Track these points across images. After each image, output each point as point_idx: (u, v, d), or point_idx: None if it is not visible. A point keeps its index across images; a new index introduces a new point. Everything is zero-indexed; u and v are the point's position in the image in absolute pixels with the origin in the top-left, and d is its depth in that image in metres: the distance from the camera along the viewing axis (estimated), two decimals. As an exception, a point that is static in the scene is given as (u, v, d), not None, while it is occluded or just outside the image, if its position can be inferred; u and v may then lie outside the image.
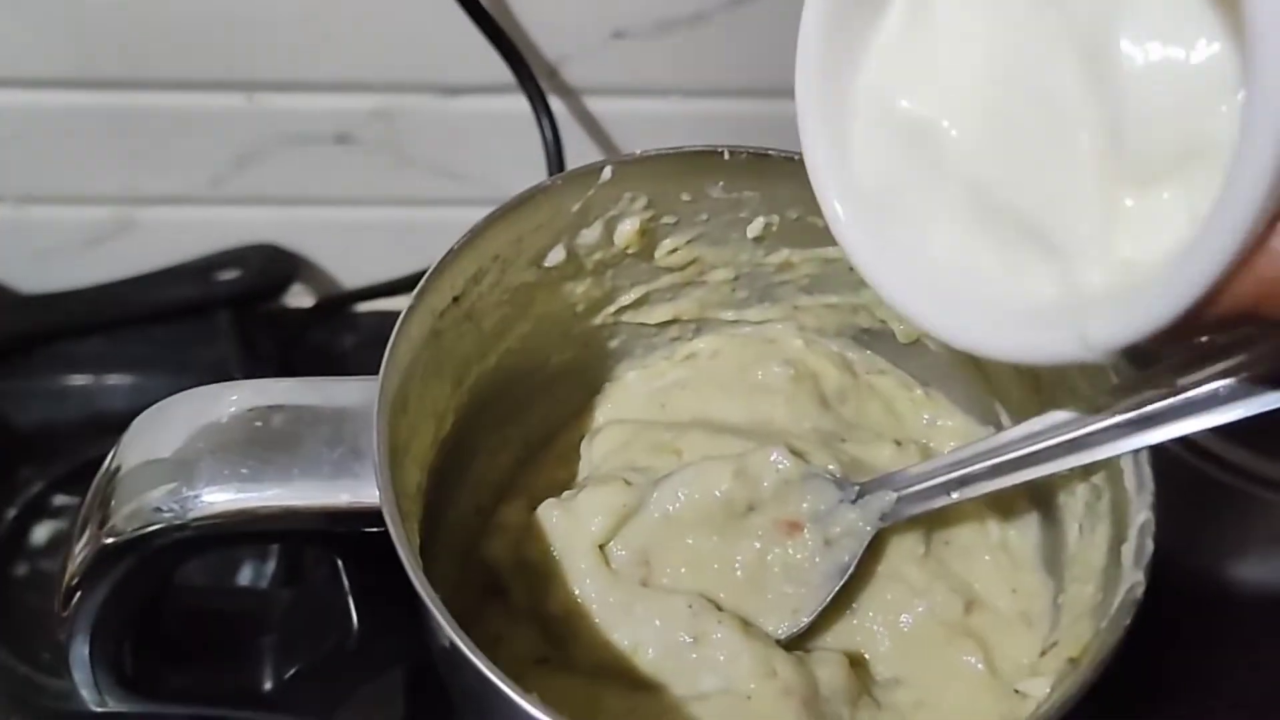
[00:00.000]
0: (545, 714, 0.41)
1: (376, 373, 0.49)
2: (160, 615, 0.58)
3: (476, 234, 0.54)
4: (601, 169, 0.56)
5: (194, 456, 0.49)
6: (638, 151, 0.56)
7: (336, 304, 0.93)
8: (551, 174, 0.78)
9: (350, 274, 0.94)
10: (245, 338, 0.89)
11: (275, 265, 0.90)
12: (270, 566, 0.73)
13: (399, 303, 0.95)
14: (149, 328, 0.89)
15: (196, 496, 0.48)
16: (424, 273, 0.52)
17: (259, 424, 0.50)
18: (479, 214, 0.53)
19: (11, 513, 0.83)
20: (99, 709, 0.57)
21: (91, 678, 0.55)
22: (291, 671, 0.59)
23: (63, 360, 0.87)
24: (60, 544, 0.79)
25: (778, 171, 0.55)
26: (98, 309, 0.89)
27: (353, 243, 0.92)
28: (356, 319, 0.94)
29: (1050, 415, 0.50)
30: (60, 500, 0.84)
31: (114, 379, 0.88)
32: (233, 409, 0.51)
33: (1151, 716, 0.66)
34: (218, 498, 0.48)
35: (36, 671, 0.71)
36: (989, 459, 0.51)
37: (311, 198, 0.88)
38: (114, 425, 0.81)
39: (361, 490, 0.48)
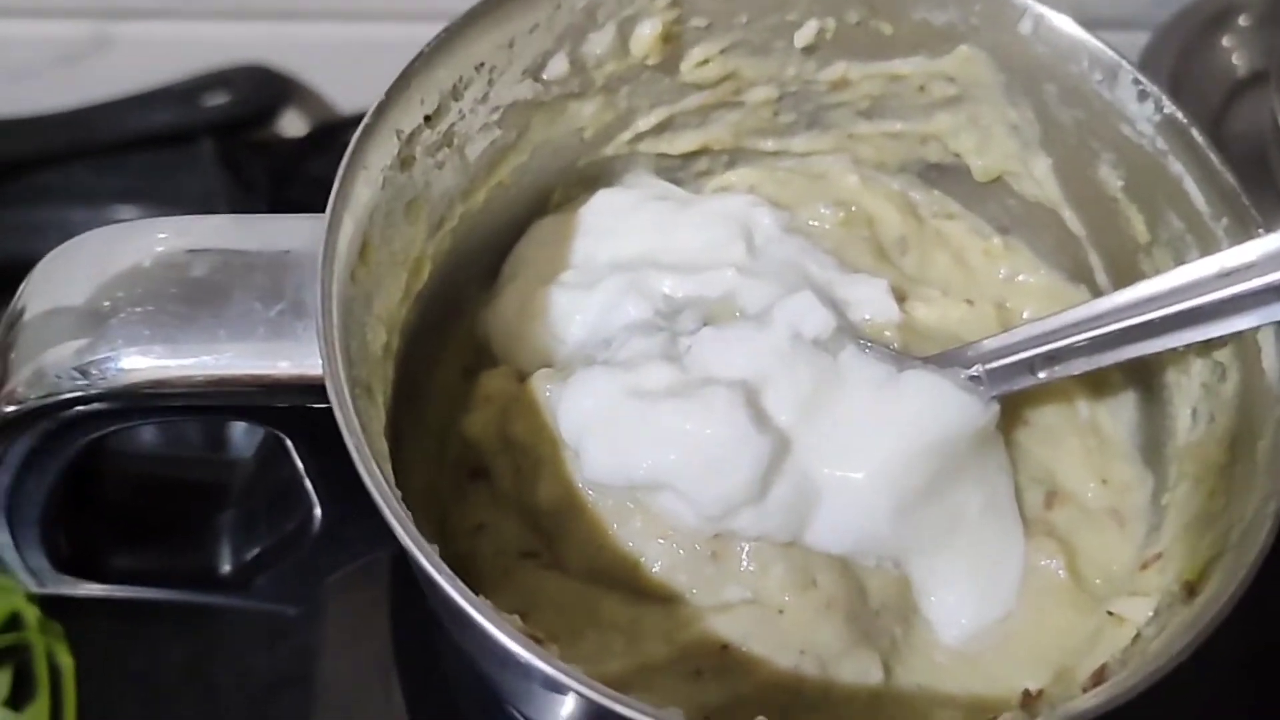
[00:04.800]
0: (519, 643, 0.33)
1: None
2: (99, 485, 0.51)
3: (453, 34, 0.45)
4: (614, -50, 0.47)
5: (107, 309, 0.41)
6: (659, -73, 0.47)
7: (333, 131, 0.86)
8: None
9: (348, 98, 0.87)
10: (233, 167, 0.83)
11: (265, 88, 0.85)
12: (228, 430, 0.66)
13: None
14: (128, 156, 0.84)
15: (106, 361, 0.40)
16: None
17: (184, 272, 0.41)
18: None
19: None
20: (38, 590, 0.51)
21: (20, 560, 0.49)
22: (253, 553, 0.52)
23: (35, 191, 0.83)
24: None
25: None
26: (72, 135, 0.84)
27: (351, 63, 0.82)
28: None
29: (1165, 278, 0.42)
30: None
31: (93, 211, 0.82)
32: (158, 249, 0.42)
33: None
34: (132, 364, 0.40)
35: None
36: (1087, 330, 0.43)
37: (305, 11, 0.82)
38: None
39: (305, 357, 0.40)
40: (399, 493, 0.37)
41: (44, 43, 0.82)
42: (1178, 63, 0.79)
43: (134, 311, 0.41)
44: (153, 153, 0.84)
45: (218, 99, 0.83)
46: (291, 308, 0.40)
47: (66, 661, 0.62)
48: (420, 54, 0.44)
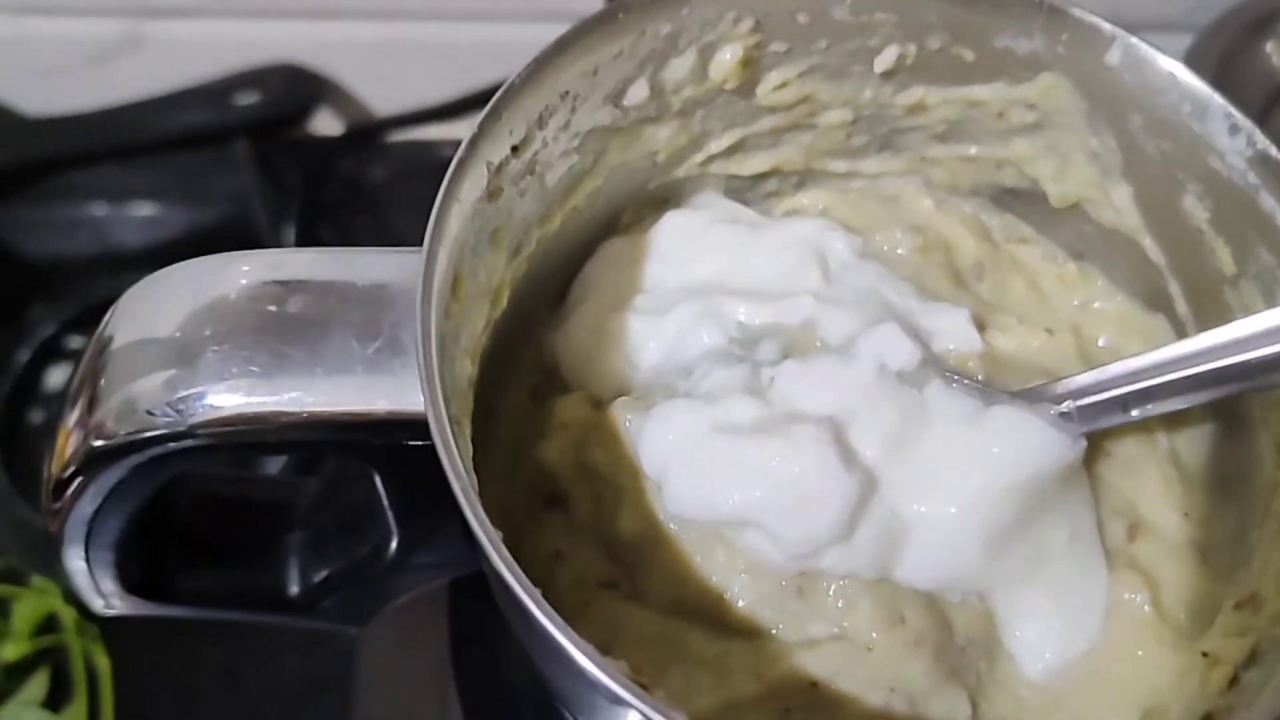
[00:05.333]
0: (605, 673, 0.32)
1: (414, 218, 0.40)
2: (168, 505, 0.50)
3: (542, 64, 0.44)
4: (698, -21, 0.45)
5: (196, 344, 0.40)
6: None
7: (367, 132, 0.87)
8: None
9: (382, 98, 0.88)
10: (266, 167, 0.84)
11: (298, 88, 0.86)
12: (294, 456, 0.66)
13: (436, 131, 0.88)
14: (162, 155, 0.85)
15: (199, 398, 0.39)
16: (467, 99, 0.42)
17: (274, 307, 0.40)
18: (533, 33, 0.45)
19: (24, 355, 0.80)
20: (106, 612, 0.51)
21: (92, 584, 0.48)
22: (322, 575, 0.52)
23: (71, 189, 0.84)
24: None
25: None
26: (106, 134, 0.84)
27: (385, 63, 0.86)
28: (389, 149, 0.87)
29: (1264, 317, 0.42)
30: (75, 342, 0.81)
31: (126, 210, 0.84)
32: (243, 282, 0.41)
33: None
34: (223, 401, 0.39)
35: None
36: (1182, 369, 0.43)
37: (338, 10, 0.82)
38: (127, 261, 0.75)
39: (403, 394, 0.39)
40: (500, 533, 0.36)
41: (76, 41, 0.82)
42: (1220, 67, 0.78)
43: (226, 347, 0.40)
44: (185, 152, 0.84)
45: (250, 98, 0.83)
46: (388, 345, 0.40)
47: (104, 663, 0.63)
48: (511, 84, 0.43)
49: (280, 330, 0.40)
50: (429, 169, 0.51)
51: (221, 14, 0.82)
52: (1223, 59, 0.79)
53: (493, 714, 0.59)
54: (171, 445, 0.40)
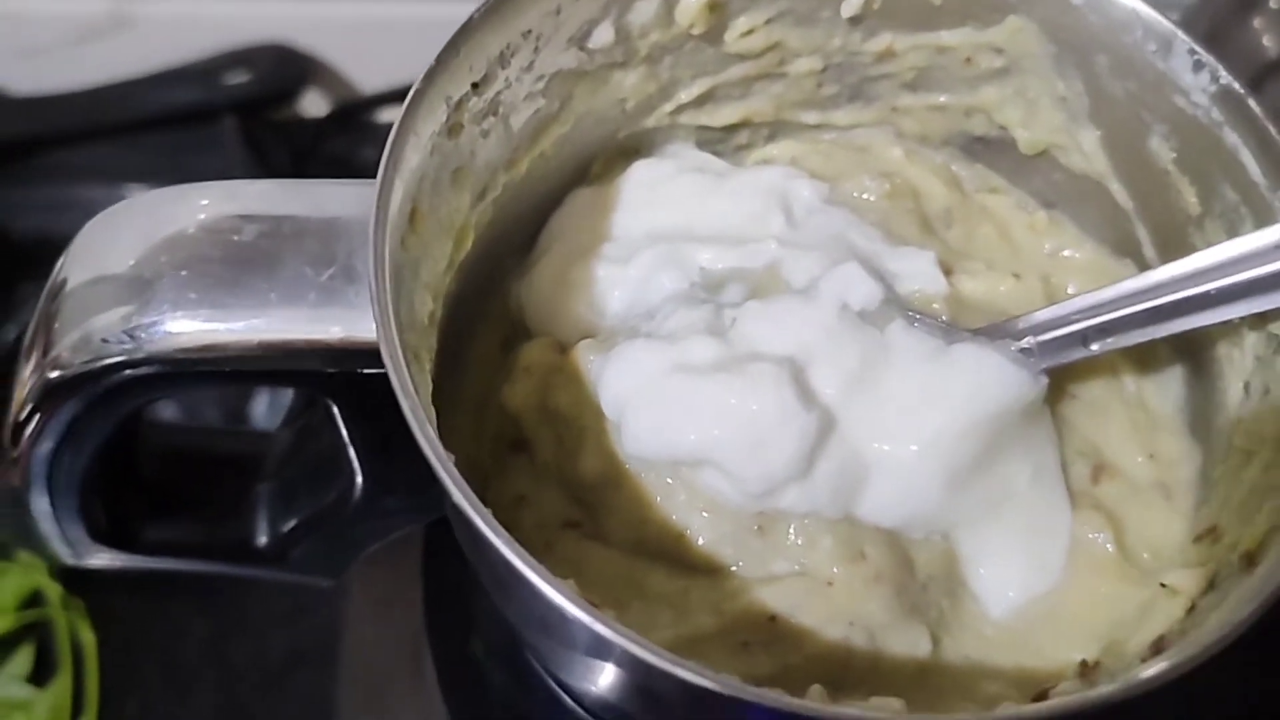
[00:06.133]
0: (573, 602, 0.32)
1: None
2: (137, 457, 0.50)
3: (503, 0, 0.43)
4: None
5: (152, 274, 0.41)
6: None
7: (354, 111, 0.87)
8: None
9: (369, 78, 0.87)
10: (254, 147, 0.83)
11: (286, 67, 0.85)
12: (264, 402, 0.66)
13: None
14: (149, 134, 0.84)
15: (154, 325, 0.40)
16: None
17: (231, 236, 0.40)
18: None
19: (11, 332, 0.78)
20: (74, 563, 0.51)
21: (58, 530, 0.48)
22: (290, 524, 0.52)
23: (59, 168, 0.83)
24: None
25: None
26: (93, 113, 0.84)
27: (373, 42, 0.85)
28: (377, 128, 0.87)
29: (1222, 248, 0.41)
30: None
31: (114, 190, 0.81)
32: (201, 216, 0.42)
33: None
34: (180, 327, 0.40)
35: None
36: (1141, 302, 0.43)
37: None
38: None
39: (356, 322, 0.39)
40: (452, 455, 0.36)
41: (64, 20, 0.82)
42: (1207, 43, 0.78)
43: (181, 275, 0.40)
44: (174, 131, 0.83)
45: (239, 78, 0.83)
46: (342, 272, 0.40)
47: (88, 638, 0.63)
48: (470, 20, 0.43)
49: (236, 258, 0.40)
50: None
51: (210, -8, 0.80)
52: (1209, 36, 0.78)
53: (464, 676, 0.59)
54: (128, 373, 0.40)
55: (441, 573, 0.58)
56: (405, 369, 0.36)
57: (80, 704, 0.60)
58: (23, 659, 0.62)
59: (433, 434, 0.35)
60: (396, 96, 0.85)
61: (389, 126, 0.95)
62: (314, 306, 0.39)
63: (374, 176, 0.53)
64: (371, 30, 0.84)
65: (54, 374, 0.41)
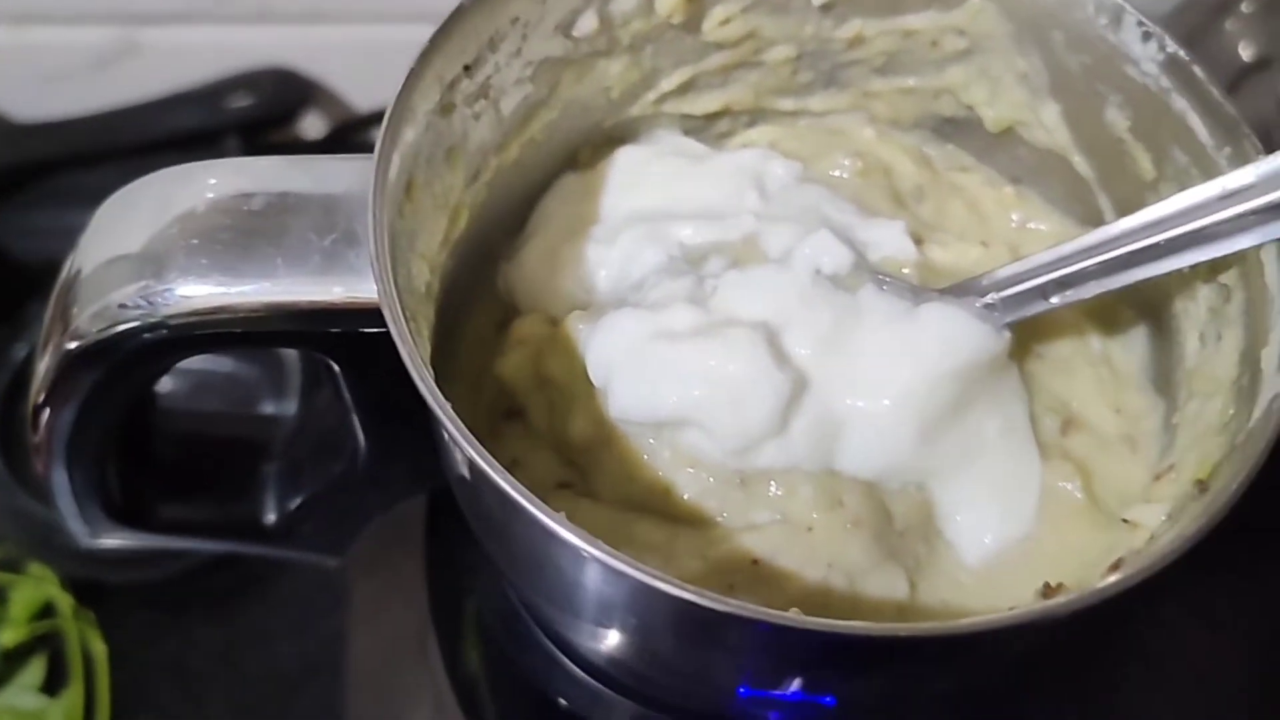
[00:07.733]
0: (572, 533, 0.34)
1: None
2: (150, 440, 0.52)
3: None
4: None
5: (165, 248, 0.43)
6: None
7: (353, 131, 0.88)
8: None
9: (368, 100, 0.88)
10: None
11: (288, 90, 0.86)
12: (272, 389, 0.67)
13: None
14: (155, 157, 0.83)
15: (168, 290, 0.42)
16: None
17: (240, 207, 0.43)
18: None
19: (21, 350, 0.78)
20: (90, 542, 0.52)
21: (76, 507, 0.50)
22: (296, 502, 0.54)
23: (66, 193, 0.84)
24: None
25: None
26: (101, 138, 0.85)
27: (371, 66, 0.79)
28: (373, 147, 0.87)
29: (1171, 201, 0.43)
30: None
31: None
32: (209, 194, 0.44)
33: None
34: (193, 291, 0.42)
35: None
36: (1097, 255, 0.44)
37: (326, 14, 0.82)
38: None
39: (357, 283, 0.41)
40: (450, 405, 0.38)
41: (76, 48, 0.83)
42: (1183, 47, 0.80)
43: (193, 244, 0.42)
44: (179, 153, 0.81)
45: (242, 101, 0.84)
46: (344, 237, 0.42)
47: (100, 648, 0.63)
48: (460, 5, 0.45)
49: (244, 227, 0.42)
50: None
51: (214, 20, 0.82)
52: (1184, 41, 0.80)
53: (467, 656, 0.61)
54: (146, 337, 0.42)
55: (444, 548, 0.60)
56: (404, 321, 0.39)
57: (92, 714, 0.61)
58: (35, 670, 0.63)
59: (431, 381, 0.38)
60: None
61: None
62: (318, 269, 0.42)
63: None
64: (369, 54, 0.82)
65: (73, 344, 0.43)
